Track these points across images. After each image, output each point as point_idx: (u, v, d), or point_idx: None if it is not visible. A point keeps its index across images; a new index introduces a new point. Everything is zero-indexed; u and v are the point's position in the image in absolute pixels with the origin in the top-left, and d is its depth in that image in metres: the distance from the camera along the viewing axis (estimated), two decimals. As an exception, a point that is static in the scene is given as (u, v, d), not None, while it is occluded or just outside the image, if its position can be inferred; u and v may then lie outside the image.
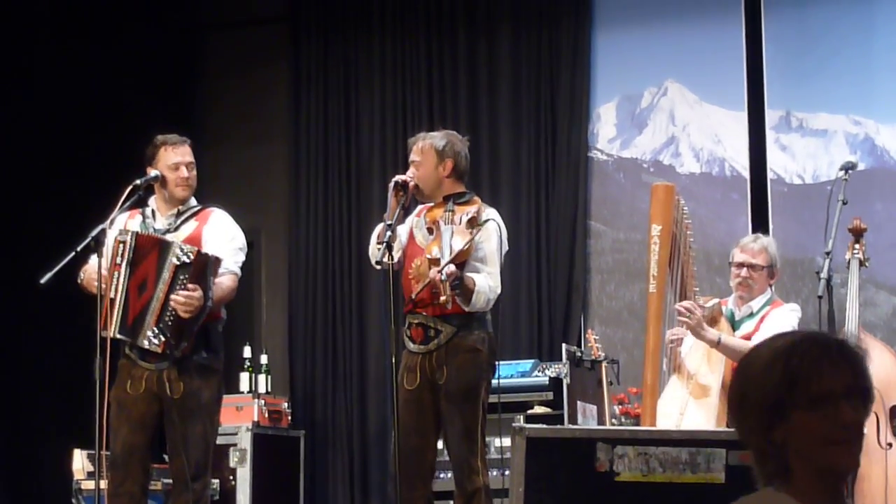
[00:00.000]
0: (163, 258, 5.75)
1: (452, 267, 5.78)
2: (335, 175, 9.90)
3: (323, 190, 9.92)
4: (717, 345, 6.18)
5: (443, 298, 5.73)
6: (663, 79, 9.31)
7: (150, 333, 5.74)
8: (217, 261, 5.87)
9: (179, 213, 6.06)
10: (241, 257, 6.08)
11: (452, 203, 6.08)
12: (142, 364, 5.86)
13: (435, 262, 5.85)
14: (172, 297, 5.71)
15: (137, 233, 5.85)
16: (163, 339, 5.72)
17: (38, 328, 8.63)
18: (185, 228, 6.02)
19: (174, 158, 6.04)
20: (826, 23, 8.91)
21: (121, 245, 5.80)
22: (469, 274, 5.93)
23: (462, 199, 6.14)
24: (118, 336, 5.79)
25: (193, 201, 6.14)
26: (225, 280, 5.93)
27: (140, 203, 6.08)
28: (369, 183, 9.72)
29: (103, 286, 5.72)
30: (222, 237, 6.02)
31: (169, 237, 5.92)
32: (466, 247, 5.87)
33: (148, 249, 5.79)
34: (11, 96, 8.79)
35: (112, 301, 5.75)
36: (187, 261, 5.71)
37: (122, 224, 5.99)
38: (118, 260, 5.77)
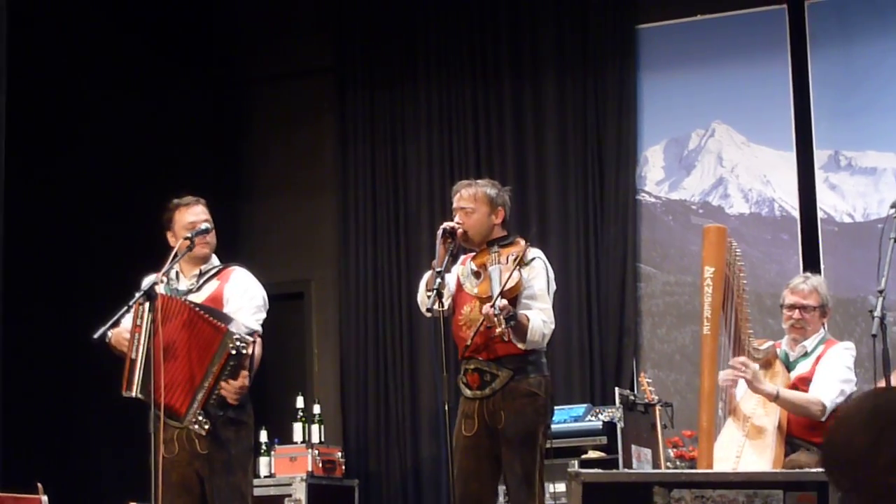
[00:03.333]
0: (195, 328, 5.78)
1: (504, 301, 5.81)
2: (384, 224, 9.93)
3: (372, 239, 9.94)
4: (775, 398, 6.15)
5: (499, 331, 5.76)
6: (710, 120, 9.30)
7: (200, 418, 5.80)
8: (257, 336, 5.93)
9: (202, 274, 6.11)
10: (262, 315, 6.11)
11: (497, 246, 6.13)
12: (170, 423, 5.86)
13: (487, 299, 5.89)
14: (224, 386, 5.77)
15: (160, 294, 5.87)
16: (209, 422, 5.79)
17: (90, 383, 8.65)
18: (206, 288, 6.08)
19: (189, 218, 6.09)
20: (872, 61, 8.87)
21: (141, 307, 5.80)
22: (522, 311, 5.94)
23: (505, 241, 6.20)
24: (139, 396, 5.78)
25: (215, 260, 6.20)
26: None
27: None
28: (418, 232, 9.73)
29: (126, 346, 5.76)
30: (242, 295, 6.07)
31: (192, 297, 5.99)
32: (515, 282, 5.90)
33: (172, 314, 5.81)
34: (60, 152, 8.85)
35: (133, 362, 5.76)
36: (243, 351, 5.75)
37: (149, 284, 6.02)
38: (138, 321, 5.77)
